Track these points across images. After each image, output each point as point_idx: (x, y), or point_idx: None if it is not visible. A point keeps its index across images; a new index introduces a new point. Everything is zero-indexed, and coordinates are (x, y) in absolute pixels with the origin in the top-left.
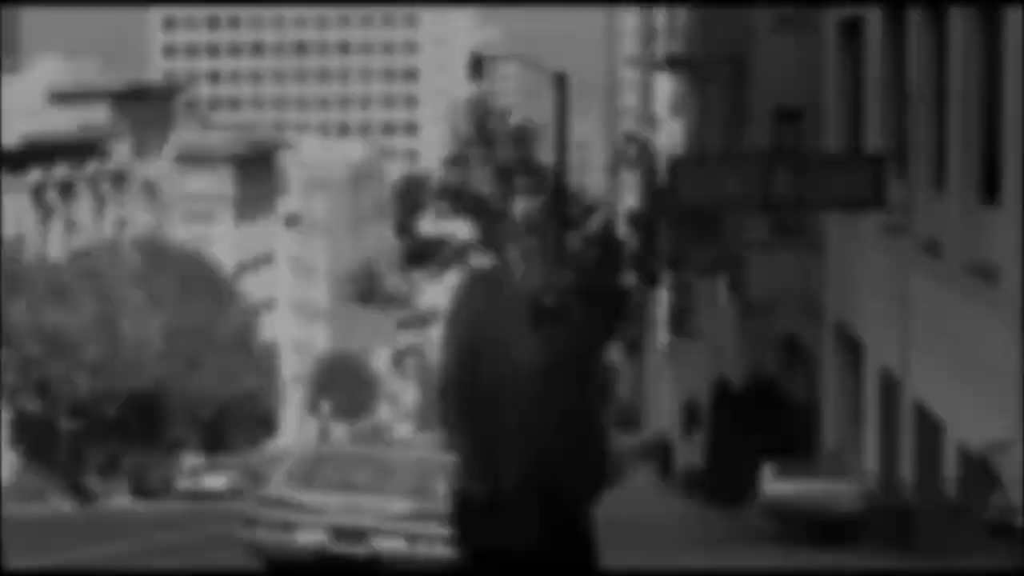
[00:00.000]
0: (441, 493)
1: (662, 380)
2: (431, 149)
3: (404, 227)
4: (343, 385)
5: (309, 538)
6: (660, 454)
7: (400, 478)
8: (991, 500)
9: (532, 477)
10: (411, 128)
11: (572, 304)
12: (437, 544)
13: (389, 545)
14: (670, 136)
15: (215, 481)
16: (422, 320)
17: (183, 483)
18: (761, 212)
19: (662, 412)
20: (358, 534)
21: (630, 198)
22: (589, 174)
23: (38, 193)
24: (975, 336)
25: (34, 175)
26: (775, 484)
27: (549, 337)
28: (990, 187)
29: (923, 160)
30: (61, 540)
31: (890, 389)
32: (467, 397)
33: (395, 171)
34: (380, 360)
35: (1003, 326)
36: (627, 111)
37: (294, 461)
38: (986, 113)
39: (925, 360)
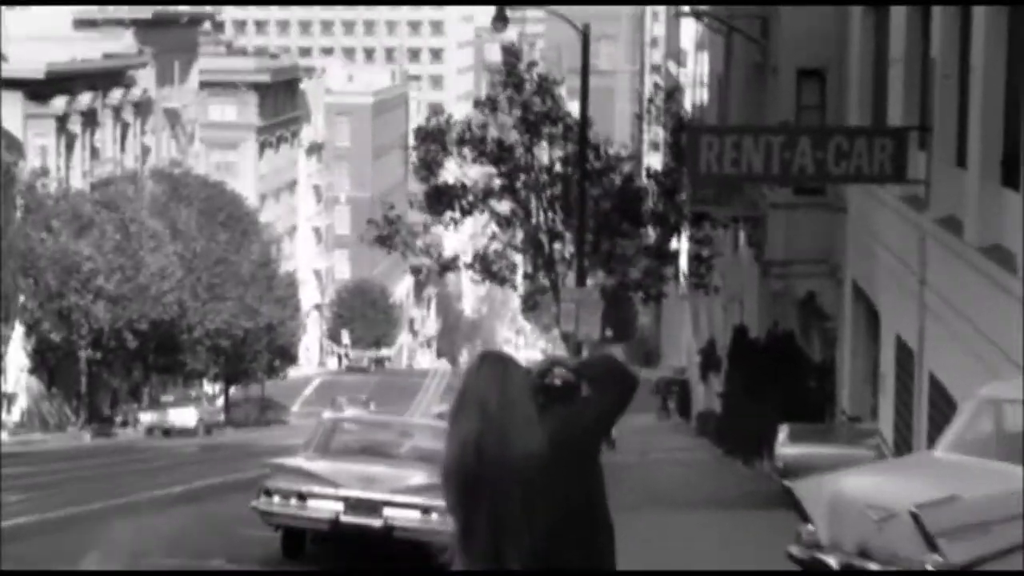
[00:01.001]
0: None
1: (682, 324)
2: (455, 79)
3: (425, 171)
4: (364, 314)
5: (323, 508)
6: (679, 393)
7: (417, 447)
8: None
9: (537, 560)
10: (436, 53)
11: (579, 384)
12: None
13: (403, 516)
14: (696, 75)
15: (184, 417)
16: (444, 267)
17: (147, 418)
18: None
19: (681, 353)
20: (372, 505)
21: (655, 150)
22: (615, 120)
23: (61, 122)
24: (991, 320)
25: (58, 104)
26: (789, 448)
27: (556, 418)
28: (1011, 170)
29: (945, 137)
30: (80, 487)
31: (905, 359)
32: (472, 482)
33: (420, 98)
34: (401, 289)
35: (1018, 312)
36: (655, 43)
37: (313, 432)
38: (1009, 95)
39: (940, 337)
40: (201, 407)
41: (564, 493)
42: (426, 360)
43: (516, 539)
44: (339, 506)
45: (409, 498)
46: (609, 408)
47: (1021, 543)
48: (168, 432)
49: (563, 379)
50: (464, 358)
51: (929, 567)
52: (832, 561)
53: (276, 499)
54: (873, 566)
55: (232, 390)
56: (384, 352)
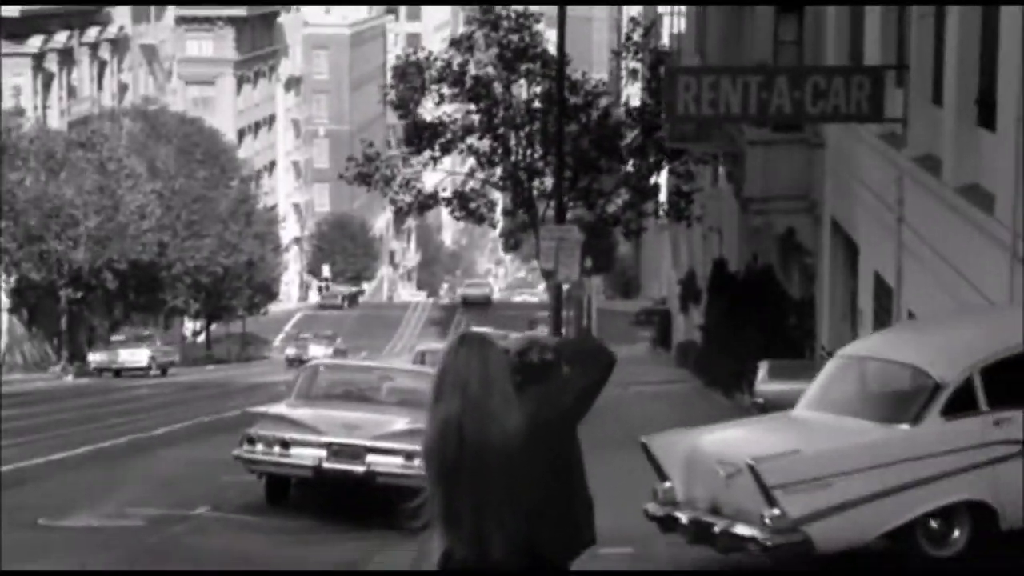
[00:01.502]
0: None
1: (661, 256)
2: (432, 10)
3: (403, 109)
4: (344, 248)
5: (306, 455)
6: (660, 323)
7: (399, 392)
8: None
9: (519, 544)
10: None
11: (558, 361)
12: None
13: (385, 462)
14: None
15: (135, 356)
16: (423, 205)
17: (97, 358)
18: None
19: (661, 284)
20: (355, 451)
21: (633, 79)
22: (592, 50)
23: (38, 61)
24: (968, 258)
25: (33, 42)
26: (769, 384)
27: (534, 398)
28: (987, 110)
29: (921, 76)
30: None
31: (883, 296)
32: (453, 463)
33: (397, 30)
34: (381, 222)
35: (996, 252)
36: None
37: (296, 379)
38: (985, 36)
39: (918, 274)
40: (153, 346)
41: (544, 472)
42: (407, 293)
43: (498, 520)
44: (322, 452)
45: (391, 444)
46: (588, 386)
47: (861, 498)
48: (119, 372)
49: (541, 358)
50: (444, 290)
51: (767, 521)
52: (683, 517)
53: (259, 447)
54: (722, 522)
55: (213, 326)
56: (357, 288)
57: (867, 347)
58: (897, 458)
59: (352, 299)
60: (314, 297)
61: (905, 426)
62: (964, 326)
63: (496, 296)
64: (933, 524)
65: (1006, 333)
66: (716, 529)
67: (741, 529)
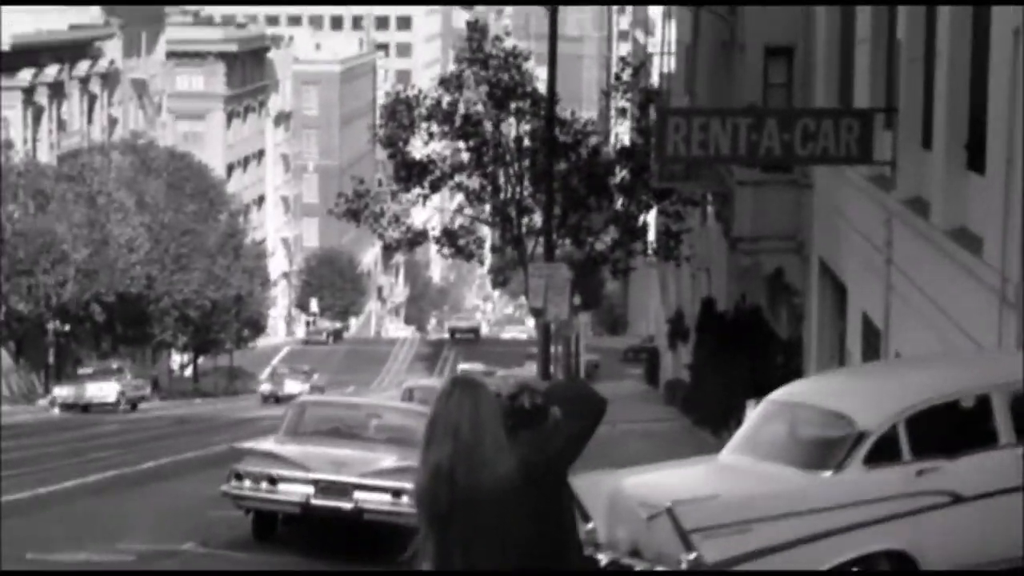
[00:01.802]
0: None
1: (649, 293)
2: (422, 47)
3: (393, 147)
4: (332, 283)
5: (293, 491)
6: (648, 361)
7: (387, 429)
8: None
9: None
10: (404, 21)
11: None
12: None
13: (373, 499)
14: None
15: (103, 391)
16: (412, 242)
17: (63, 392)
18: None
19: (649, 322)
20: (342, 488)
21: (623, 117)
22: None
23: (28, 94)
24: (956, 302)
25: (24, 76)
26: None
27: (525, 442)
28: (975, 154)
29: (911, 119)
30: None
31: (872, 337)
32: (445, 507)
33: (387, 66)
34: (369, 257)
35: (984, 296)
36: (623, 9)
37: (284, 415)
38: (975, 80)
39: (906, 316)
40: (123, 380)
41: (535, 516)
42: (394, 328)
43: (489, 563)
44: (310, 489)
45: (379, 481)
46: (579, 432)
47: (780, 544)
48: (87, 408)
49: (532, 402)
50: (432, 325)
51: (683, 566)
52: (603, 559)
53: (247, 483)
54: (640, 565)
55: (200, 360)
56: (343, 324)
57: (797, 393)
58: (818, 506)
59: (337, 335)
60: (301, 332)
61: (827, 473)
62: (895, 375)
63: (485, 331)
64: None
65: (936, 382)
66: (636, 571)
67: (661, 572)
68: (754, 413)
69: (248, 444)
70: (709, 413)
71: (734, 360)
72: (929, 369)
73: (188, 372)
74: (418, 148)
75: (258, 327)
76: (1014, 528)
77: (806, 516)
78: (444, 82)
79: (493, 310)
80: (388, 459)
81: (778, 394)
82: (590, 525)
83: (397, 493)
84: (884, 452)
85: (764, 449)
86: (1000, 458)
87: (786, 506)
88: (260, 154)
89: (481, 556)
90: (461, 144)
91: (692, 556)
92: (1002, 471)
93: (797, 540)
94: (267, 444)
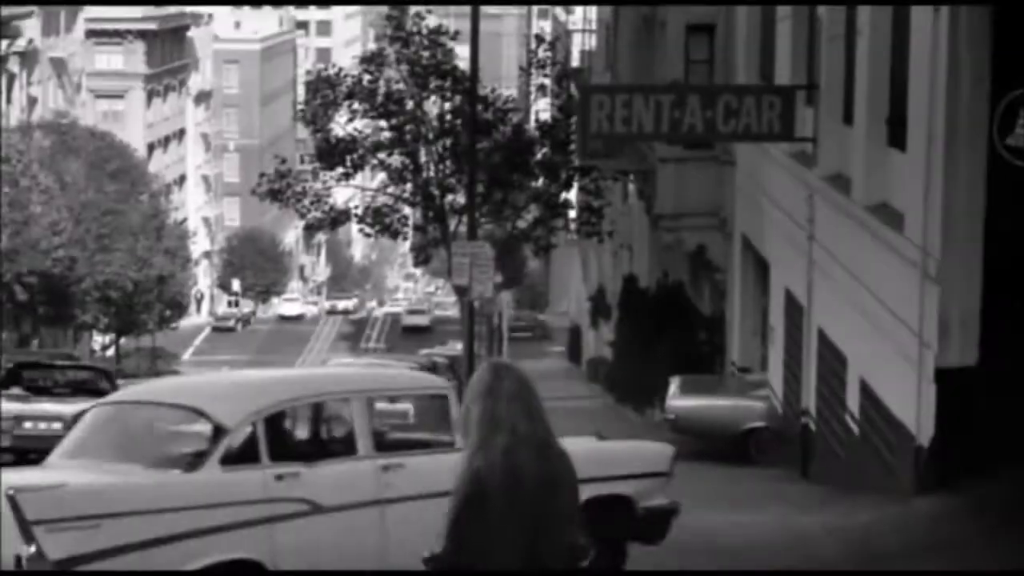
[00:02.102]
0: None
1: (570, 271)
2: (343, 25)
3: (315, 125)
4: (254, 262)
5: None
6: (570, 339)
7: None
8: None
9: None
10: None
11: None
12: None
13: None
14: (585, 19)
15: None
16: (335, 221)
17: None
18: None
19: (570, 300)
20: None
21: (542, 94)
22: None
23: None
24: (878, 277)
25: None
26: (680, 400)
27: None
28: (897, 129)
29: (832, 95)
30: None
31: (794, 312)
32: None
33: (307, 44)
34: (291, 236)
35: (905, 271)
36: None
37: None
38: (895, 57)
39: (828, 292)
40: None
41: (558, 516)
42: (315, 308)
43: (554, 539)
44: None
45: None
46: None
47: (132, 544)
48: None
49: None
50: (353, 304)
51: (24, 562)
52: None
53: None
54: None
55: (123, 341)
56: (251, 309)
57: (145, 392)
58: (172, 505)
59: (246, 321)
60: (222, 309)
61: (182, 472)
62: (257, 377)
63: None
64: None
65: (297, 385)
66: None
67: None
68: (88, 415)
69: (178, 428)
70: (632, 390)
71: (657, 337)
72: (294, 373)
73: (110, 353)
74: (340, 126)
75: (180, 307)
76: (372, 541)
77: (160, 516)
78: (365, 60)
79: (414, 290)
80: None
81: (120, 395)
82: None
83: None
84: (242, 454)
85: (110, 451)
86: (359, 469)
87: (138, 503)
88: (181, 133)
89: (551, 534)
90: (383, 123)
91: (32, 551)
92: (361, 483)
93: (151, 541)
94: (193, 425)
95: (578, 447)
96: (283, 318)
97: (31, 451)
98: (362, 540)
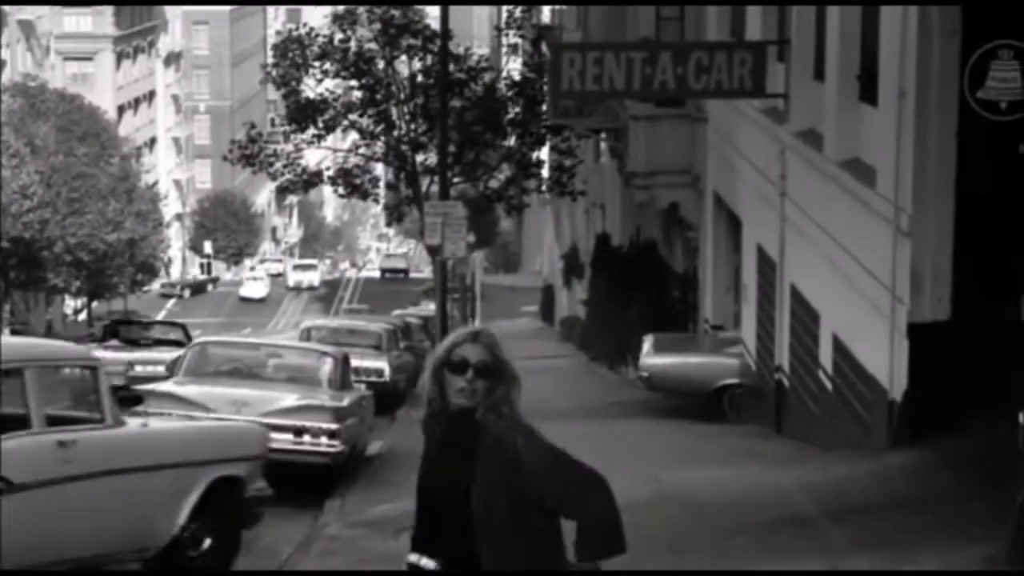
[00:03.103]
0: (326, 383)
1: (543, 230)
2: None
3: (286, 87)
4: (226, 224)
5: None
6: (543, 298)
7: (287, 368)
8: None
9: None
10: None
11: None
12: (322, 437)
13: (276, 439)
14: None
15: None
16: (307, 183)
17: None
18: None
19: (543, 259)
20: None
21: (515, 53)
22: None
23: None
24: (850, 233)
25: None
26: (654, 358)
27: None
28: (868, 84)
29: (803, 52)
30: None
31: (767, 269)
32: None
33: (278, 3)
34: (263, 198)
35: (878, 225)
36: None
37: (184, 356)
38: (866, 10)
39: (801, 248)
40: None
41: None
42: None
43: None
44: None
45: (281, 420)
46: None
47: None
48: None
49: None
50: (327, 266)
51: None
52: None
53: None
54: None
55: (94, 304)
56: (209, 276)
57: None
58: None
59: (198, 288)
60: (195, 274)
61: None
62: None
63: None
64: None
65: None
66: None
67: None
68: None
69: (147, 386)
70: (606, 349)
71: (630, 295)
72: None
73: (82, 317)
74: (311, 87)
75: (152, 270)
76: (54, 522)
77: None
78: (336, 19)
79: (387, 250)
80: (289, 398)
81: None
82: None
83: (298, 432)
84: None
85: None
86: (40, 443)
87: None
88: (151, 95)
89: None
90: (354, 83)
91: None
92: (42, 459)
93: None
94: (167, 385)
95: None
96: (244, 300)
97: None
98: (45, 520)
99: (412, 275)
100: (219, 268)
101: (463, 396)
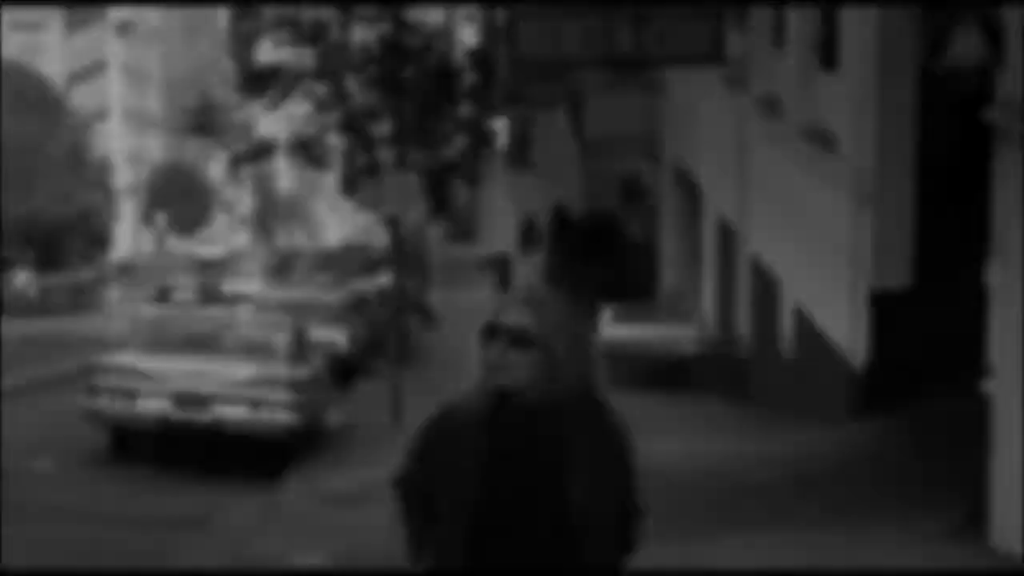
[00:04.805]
0: (282, 355)
1: (498, 201)
2: None
3: (240, 55)
4: (178, 196)
5: (151, 405)
6: (500, 268)
7: (244, 340)
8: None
9: None
10: None
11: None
12: (279, 410)
13: (231, 411)
14: None
15: None
16: (261, 150)
17: None
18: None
19: (500, 229)
20: (200, 400)
21: (470, 22)
22: None
23: None
24: (810, 200)
25: None
26: (613, 328)
27: None
28: (828, 51)
29: (762, 18)
30: None
31: (727, 239)
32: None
33: None
34: (216, 169)
35: (838, 194)
36: None
37: (139, 327)
38: None
39: (760, 216)
40: None
41: None
42: (242, 240)
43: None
44: (167, 403)
45: (238, 391)
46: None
47: None
48: None
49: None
50: (280, 238)
51: None
52: None
53: (103, 398)
54: None
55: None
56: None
57: None
58: None
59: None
60: (147, 247)
61: None
62: None
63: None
64: None
65: None
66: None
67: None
68: None
69: (104, 358)
70: None
71: (588, 265)
72: None
73: (33, 292)
74: (265, 54)
75: (103, 243)
76: None
77: None
78: None
79: (342, 222)
80: (246, 370)
81: None
82: None
83: (255, 404)
84: None
85: None
86: None
87: None
88: (102, 66)
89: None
90: (309, 50)
91: None
92: None
93: None
94: (123, 357)
95: None
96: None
97: None
98: None
99: (367, 246)
100: (172, 242)
101: (499, 373)
